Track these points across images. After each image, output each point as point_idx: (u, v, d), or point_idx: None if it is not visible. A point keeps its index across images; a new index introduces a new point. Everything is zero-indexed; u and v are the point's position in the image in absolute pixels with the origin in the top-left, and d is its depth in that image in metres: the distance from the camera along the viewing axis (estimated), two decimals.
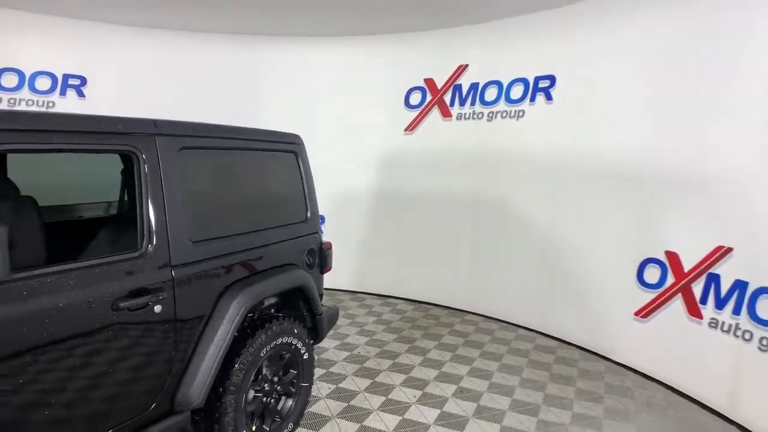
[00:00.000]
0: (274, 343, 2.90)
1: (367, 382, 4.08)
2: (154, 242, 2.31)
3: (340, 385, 4.01)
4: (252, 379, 2.77)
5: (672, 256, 4.30)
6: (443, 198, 6.04)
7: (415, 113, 6.21)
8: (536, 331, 5.45)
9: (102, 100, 6.08)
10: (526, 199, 5.43)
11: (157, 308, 2.29)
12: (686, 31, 4.15)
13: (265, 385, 2.94)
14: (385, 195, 6.31)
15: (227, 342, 2.57)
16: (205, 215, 2.64)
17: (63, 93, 6.11)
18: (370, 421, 3.49)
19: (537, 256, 5.37)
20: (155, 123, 2.39)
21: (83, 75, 6.19)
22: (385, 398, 3.83)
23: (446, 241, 6.07)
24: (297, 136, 3.45)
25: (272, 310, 3.22)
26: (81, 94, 6.19)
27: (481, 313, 5.93)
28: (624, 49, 4.60)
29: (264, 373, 2.92)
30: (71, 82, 6.15)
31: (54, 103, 6.05)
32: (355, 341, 4.94)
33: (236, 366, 2.63)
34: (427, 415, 3.62)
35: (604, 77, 4.76)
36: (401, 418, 3.56)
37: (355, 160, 6.40)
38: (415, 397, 3.87)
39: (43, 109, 5.94)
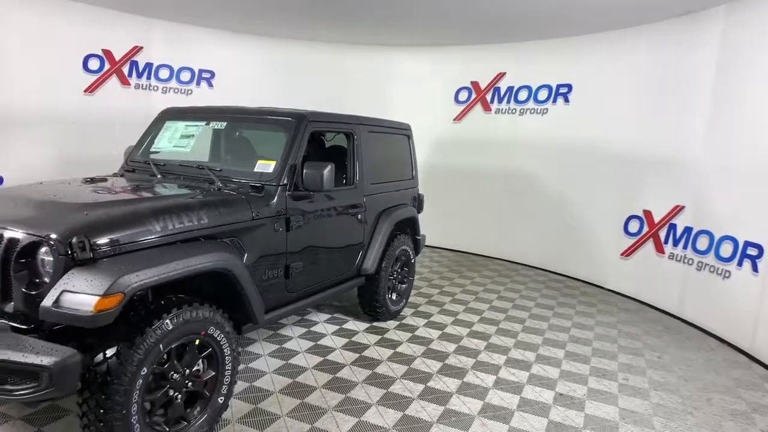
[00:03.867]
0: (401, 248, 4.96)
1: (441, 288, 6.14)
2: (358, 181, 4.33)
3: (426, 289, 6.07)
4: (392, 265, 4.84)
5: (647, 213, 6.29)
6: (481, 171, 8.03)
7: (462, 107, 8.18)
8: (549, 271, 7.47)
9: (226, 89, 8.05)
10: (544, 173, 7.41)
11: (360, 216, 4.33)
12: (661, 62, 6.06)
13: (398, 269, 5.01)
14: (435, 168, 8.27)
15: (385, 240, 4.62)
16: (373, 169, 4.63)
17: (198, 84, 8.08)
18: (448, 305, 5.56)
19: (550, 216, 7.37)
20: (358, 118, 4.40)
21: (212, 70, 8.14)
22: (451, 298, 5.89)
23: (481, 205, 8.08)
24: (408, 125, 5.43)
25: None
26: (210, 85, 8.16)
27: (507, 258, 7.96)
28: (620, 69, 6.52)
29: (397, 265, 4.98)
30: (204, 75, 8.11)
31: (192, 91, 8.02)
32: (422, 270, 6.99)
33: (386, 255, 4.69)
34: (481, 306, 5.68)
35: (605, 88, 6.69)
36: (465, 307, 5.62)
37: (416, 141, 8.35)
38: (472, 297, 5.94)
39: (185, 96, 7.90)
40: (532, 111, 7.50)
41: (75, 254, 2.32)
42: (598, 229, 6.87)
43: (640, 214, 6.36)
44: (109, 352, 2.35)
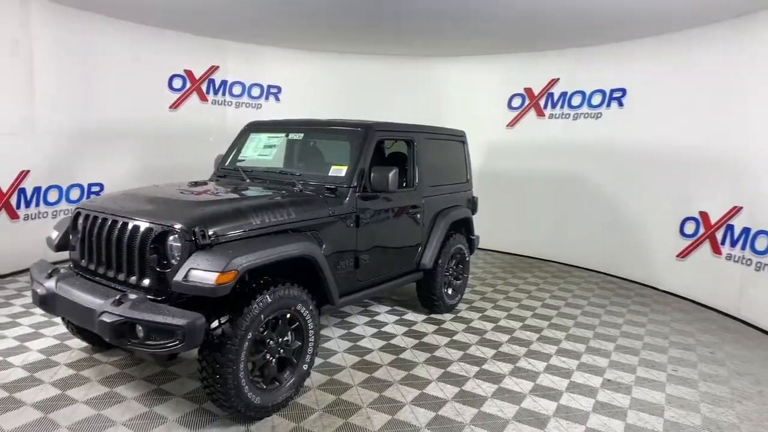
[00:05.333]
0: (456, 246, 5.37)
1: (494, 286, 6.48)
2: (417, 184, 4.80)
3: (480, 287, 6.43)
4: (448, 262, 5.25)
5: (703, 215, 6.38)
6: (534, 175, 8.29)
7: (515, 113, 8.49)
8: (602, 273, 7.63)
9: (292, 103, 8.76)
10: (598, 176, 7.59)
11: (419, 215, 4.79)
12: (717, 63, 6.16)
13: (453, 266, 5.42)
14: (489, 173, 8.60)
15: (441, 238, 5.05)
16: (431, 173, 5.07)
17: (267, 98, 8.84)
18: (502, 302, 5.91)
19: (604, 218, 7.53)
20: (417, 126, 4.88)
21: (279, 85, 8.88)
22: (504, 296, 6.22)
23: (534, 208, 8.33)
24: (462, 131, 5.84)
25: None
26: (277, 99, 8.90)
27: (560, 261, 8.16)
28: (675, 71, 6.65)
29: (453, 262, 5.40)
30: (272, 90, 8.86)
31: (261, 105, 8.79)
32: (476, 270, 7.34)
33: (443, 252, 5.11)
34: (533, 303, 5.98)
35: (660, 90, 6.83)
36: (518, 304, 5.94)
37: (471, 147, 8.73)
38: (524, 295, 6.24)
39: (254, 110, 8.67)
40: (586, 115, 7.72)
41: (197, 241, 2.92)
42: (653, 231, 6.99)
43: (696, 215, 6.45)
44: (222, 320, 2.91)
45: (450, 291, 5.46)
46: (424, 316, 5.30)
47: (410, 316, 5.31)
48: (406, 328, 4.95)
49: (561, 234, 8.15)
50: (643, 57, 7.06)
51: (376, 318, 5.19)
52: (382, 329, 4.90)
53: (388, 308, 5.50)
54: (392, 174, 3.98)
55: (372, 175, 4.03)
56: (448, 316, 5.35)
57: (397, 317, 5.25)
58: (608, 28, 6.67)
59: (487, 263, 7.92)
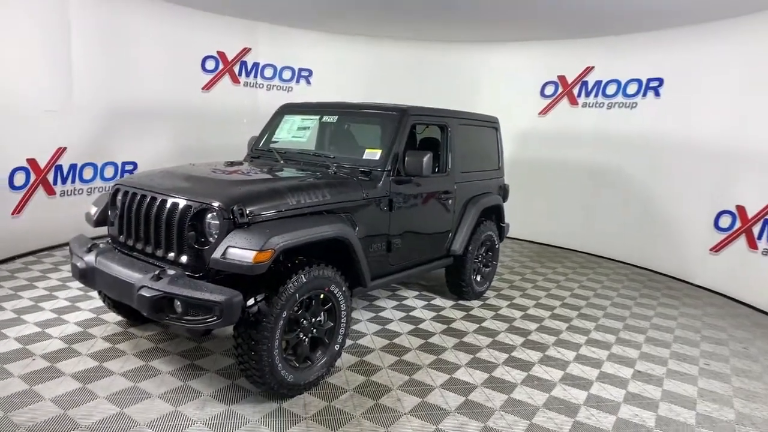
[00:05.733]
0: (486, 233, 5.33)
1: (523, 275, 6.44)
2: (450, 169, 4.76)
3: (508, 275, 6.40)
4: (478, 249, 5.22)
5: (740, 208, 6.20)
6: (565, 165, 8.15)
7: (548, 101, 8.33)
8: (632, 264, 7.50)
9: (322, 86, 8.75)
10: (631, 167, 7.42)
11: (449, 201, 4.76)
12: (758, 52, 5.94)
13: (483, 253, 5.39)
14: (519, 161, 8.47)
15: (472, 225, 5.02)
16: (463, 159, 5.03)
17: (297, 81, 8.84)
18: (530, 290, 5.86)
19: (635, 209, 7.38)
20: (451, 111, 4.82)
21: (310, 68, 8.87)
22: (532, 285, 6.17)
23: (564, 197, 8.20)
24: (496, 118, 5.76)
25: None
26: (308, 82, 8.89)
27: (588, 251, 8.04)
28: (715, 61, 6.43)
29: (482, 249, 5.36)
30: (303, 73, 8.86)
31: (292, 88, 8.80)
32: (504, 259, 7.29)
33: (473, 239, 5.08)
34: (562, 293, 5.92)
35: (699, 81, 6.63)
36: (546, 293, 5.89)
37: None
38: (553, 285, 6.18)
39: (285, 93, 8.68)
40: (621, 105, 7.54)
41: (235, 219, 2.95)
42: (686, 224, 6.83)
43: (733, 209, 6.27)
44: (258, 298, 2.95)
45: (479, 278, 5.43)
46: (451, 302, 5.29)
47: (438, 301, 5.31)
48: (434, 314, 4.95)
49: (590, 224, 8.02)
50: (682, 46, 6.84)
51: (404, 302, 5.20)
52: (410, 313, 4.91)
53: (416, 293, 5.50)
54: (426, 159, 3.95)
55: (406, 159, 4.01)
56: (476, 303, 5.33)
57: (425, 302, 5.25)
58: (647, 16, 6.47)
59: (514, 252, 7.86)
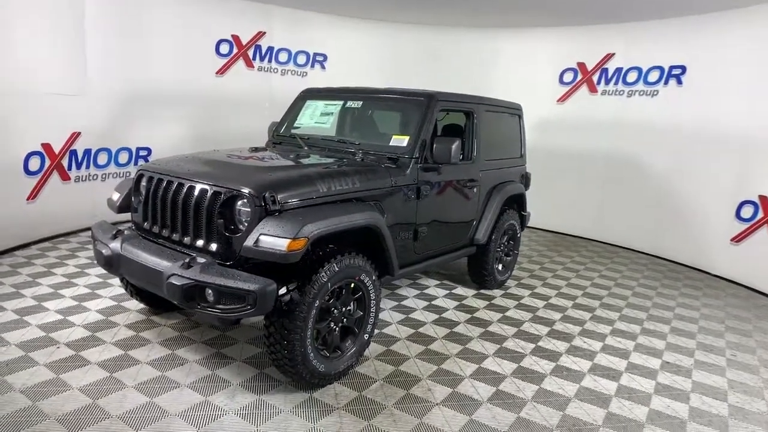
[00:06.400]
0: (509, 222, 5.25)
1: (542, 264, 6.38)
2: (475, 157, 4.68)
3: (527, 265, 6.33)
4: (500, 238, 5.15)
5: (763, 198, 6.10)
6: (583, 153, 8.04)
7: (567, 88, 8.19)
8: (651, 254, 7.42)
9: (337, 71, 8.63)
10: (651, 156, 7.30)
11: (474, 189, 4.68)
12: None
13: (505, 242, 5.32)
14: (537, 149, 8.33)
15: (496, 214, 4.94)
16: (488, 146, 4.93)
17: (312, 66, 8.72)
18: (550, 280, 5.80)
19: (655, 199, 7.28)
20: (477, 97, 4.72)
21: (325, 53, 8.74)
22: (552, 274, 6.11)
23: (582, 186, 8.10)
24: (519, 105, 5.65)
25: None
26: (323, 67, 8.77)
27: (606, 241, 7.96)
28: (740, 49, 6.28)
29: (505, 238, 5.29)
30: (318, 58, 8.73)
31: (306, 73, 8.67)
32: (522, 247, 7.21)
33: (496, 227, 5.01)
34: (583, 282, 5.86)
35: (723, 69, 6.48)
36: (566, 282, 5.83)
37: None
38: (573, 274, 6.12)
39: (300, 78, 8.57)
40: (642, 93, 7.40)
41: (267, 206, 2.89)
42: (707, 214, 6.74)
43: (755, 199, 6.17)
44: (291, 287, 2.90)
45: (500, 267, 5.37)
46: (473, 291, 5.24)
47: (459, 290, 5.25)
48: (456, 303, 4.90)
49: (608, 214, 7.93)
50: (706, 33, 6.68)
51: (426, 291, 5.15)
52: (433, 302, 4.86)
53: (437, 282, 5.45)
54: (455, 146, 3.87)
55: (435, 146, 3.92)
56: (497, 292, 5.28)
57: (447, 291, 5.20)
58: (670, 2, 6.31)
59: (531, 241, 7.79)
